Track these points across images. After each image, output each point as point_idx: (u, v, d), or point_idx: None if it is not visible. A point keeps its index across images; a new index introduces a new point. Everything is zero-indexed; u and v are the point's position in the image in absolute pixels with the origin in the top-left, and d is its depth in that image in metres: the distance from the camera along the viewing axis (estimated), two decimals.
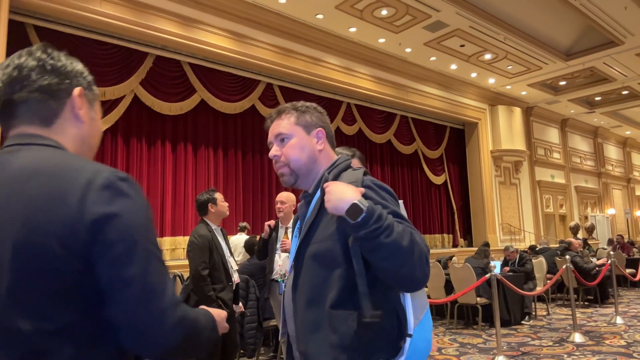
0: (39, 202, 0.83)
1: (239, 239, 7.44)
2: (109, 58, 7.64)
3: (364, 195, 1.18)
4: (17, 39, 6.65)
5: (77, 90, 0.99)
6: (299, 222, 1.48)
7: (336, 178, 1.33)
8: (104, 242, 0.82)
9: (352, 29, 9.54)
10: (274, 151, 1.41)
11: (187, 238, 7.49)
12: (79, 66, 1.03)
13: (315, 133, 1.42)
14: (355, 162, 1.90)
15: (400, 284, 1.20)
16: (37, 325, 0.82)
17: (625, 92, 14.37)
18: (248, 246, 5.92)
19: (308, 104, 1.47)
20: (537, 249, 9.55)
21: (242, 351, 4.74)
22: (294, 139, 1.39)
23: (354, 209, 1.12)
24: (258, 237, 4.50)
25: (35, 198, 0.84)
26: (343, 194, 1.15)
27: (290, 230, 3.90)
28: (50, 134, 0.96)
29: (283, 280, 1.41)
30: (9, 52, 6.29)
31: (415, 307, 1.26)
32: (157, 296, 0.84)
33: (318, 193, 1.35)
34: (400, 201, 1.36)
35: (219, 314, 1.08)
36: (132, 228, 0.85)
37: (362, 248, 1.16)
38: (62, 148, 0.95)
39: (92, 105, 1.04)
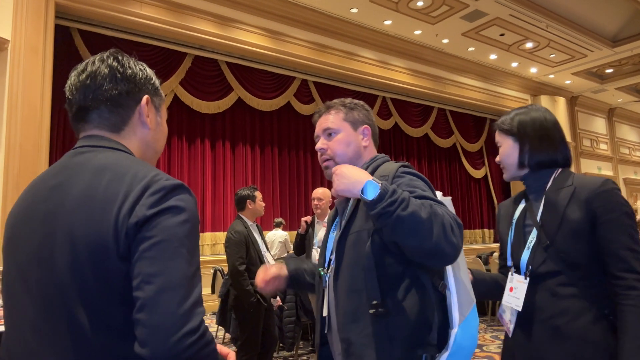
0: (102, 203, 0.87)
1: (275, 235, 7.54)
2: (150, 59, 7.86)
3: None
4: (63, 42, 6.95)
5: (145, 99, 1.04)
6: (338, 217, 1.50)
7: (373, 172, 1.36)
8: (138, 241, 0.84)
9: (387, 22, 9.43)
10: (321, 144, 1.46)
11: (226, 233, 7.66)
12: (147, 72, 1.08)
13: (361, 130, 1.48)
14: None
15: (430, 259, 1.17)
16: (95, 322, 0.85)
17: None
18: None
19: (356, 101, 1.53)
20: None
21: (281, 345, 4.80)
22: (342, 134, 1.44)
23: (368, 186, 1.14)
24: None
25: (100, 198, 0.87)
26: (355, 175, 1.18)
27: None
28: (120, 139, 1.02)
29: (323, 272, 1.43)
30: (56, 56, 6.57)
31: (460, 302, 1.26)
32: (174, 298, 0.81)
33: None
34: (440, 193, 1.36)
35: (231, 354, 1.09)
36: (167, 229, 0.85)
37: (383, 228, 1.16)
38: (130, 152, 1.01)
39: (159, 110, 1.10)
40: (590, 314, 1.37)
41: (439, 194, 1.34)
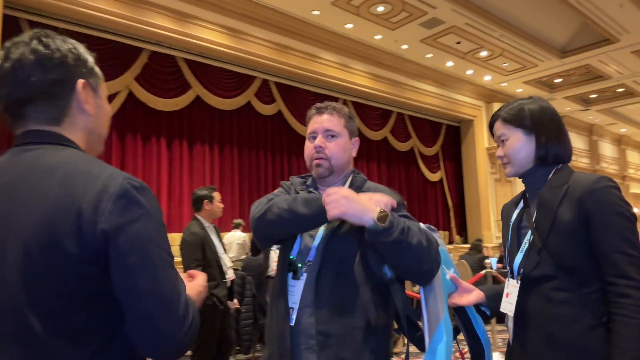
0: (56, 205, 0.82)
1: (233, 236, 7.43)
2: (104, 53, 7.58)
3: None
4: (11, 34, 6.59)
5: (80, 85, 0.96)
6: None
7: (364, 183, 1.53)
8: (117, 253, 0.82)
9: (349, 26, 9.51)
10: (320, 142, 1.51)
11: (181, 235, 7.49)
12: (79, 51, 0.98)
13: (354, 141, 1.61)
14: None
15: (420, 280, 1.39)
16: (50, 327, 0.82)
17: (620, 90, 14.40)
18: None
19: (350, 112, 1.67)
20: None
21: (238, 348, 4.73)
22: (342, 140, 1.54)
23: (382, 216, 1.24)
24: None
25: (52, 200, 0.83)
26: (365, 202, 1.27)
27: None
28: (62, 131, 0.95)
29: (302, 266, 1.45)
30: (4, 48, 6.23)
31: (429, 317, 1.40)
32: (175, 305, 0.86)
33: None
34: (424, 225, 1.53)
35: (196, 287, 1.07)
36: (144, 238, 0.85)
37: (386, 251, 1.28)
38: (75, 146, 0.95)
39: (97, 91, 1.01)
40: (585, 321, 1.28)
41: (423, 225, 1.46)
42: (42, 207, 0.83)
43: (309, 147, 1.55)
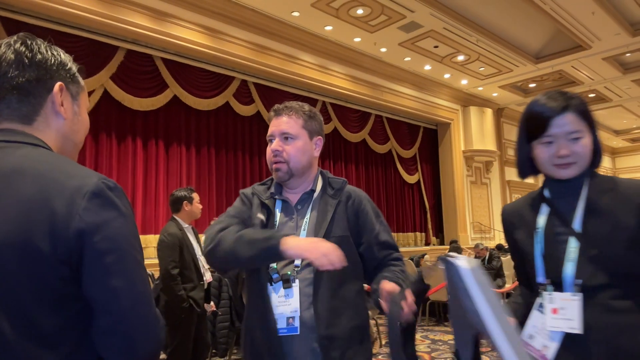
0: (28, 204, 0.80)
1: None
2: (79, 51, 7.42)
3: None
4: None
5: (57, 86, 0.95)
6: (292, 214, 1.53)
7: (343, 185, 1.56)
8: (93, 252, 0.81)
9: (328, 28, 9.53)
10: (276, 146, 1.48)
11: (157, 236, 7.38)
12: (61, 58, 0.99)
13: (315, 140, 1.54)
14: None
15: None
16: (20, 330, 0.79)
17: (592, 95, 14.79)
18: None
19: (315, 110, 1.57)
20: (503, 248, 9.73)
21: (214, 351, 4.68)
22: (299, 142, 1.48)
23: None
24: None
25: (24, 200, 0.81)
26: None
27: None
28: (32, 131, 0.92)
29: (292, 274, 1.42)
30: None
31: None
32: (148, 305, 0.86)
33: (316, 192, 1.52)
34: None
35: None
36: (119, 238, 0.84)
37: None
38: (46, 146, 0.92)
39: (76, 98, 1.00)
40: None
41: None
42: (14, 207, 0.80)
43: (268, 151, 1.53)
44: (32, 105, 0.93)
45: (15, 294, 0.79)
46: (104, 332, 0.83)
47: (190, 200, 3.62)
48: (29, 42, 0.96)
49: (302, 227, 1.44)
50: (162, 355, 4.85)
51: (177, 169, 8.72)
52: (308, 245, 1.25)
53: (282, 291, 1.39)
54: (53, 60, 0.97)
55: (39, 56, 0.95)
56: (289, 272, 1.40)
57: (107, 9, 7.04)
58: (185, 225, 3.60)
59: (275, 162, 1.48)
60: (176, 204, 3.61)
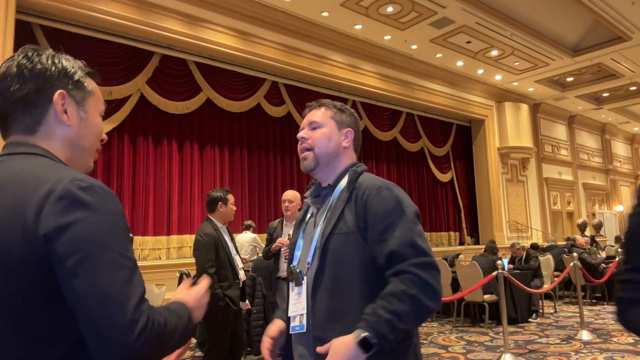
0: (7, 212, 0.84)
1: (244, 237, 7.47)
2: (115, 57, 7.67)
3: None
4: (24, 39, 6.70)
5: (56, 95, 0.96)
6: (310, 216, 1.52)
7: (358, 177, 1.42)
8: (57, 255, 0.80)
9: (358, 26, 9.51)
10: (302, 133, 1.49)
11: (193, 236, 7.54)
12: (63, 65, 0.99)
13: (345, 132, 1.51)
14: None
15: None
16: (13, 334, 0.82)
17: (633, 88, 14.25)
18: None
19: (347, 107, 1.57)
20: (538, 247, 9.47)
21: (248, 349, 4.75)
22: (325, 129, 1.48)
23: (364, 346, 1.15)
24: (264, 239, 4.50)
25: (4, 209, 0.84)
26: (343, 353, 1.16)
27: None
28: (36, 141, 0.95)
29: (303, 272, 1.43)
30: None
31: None
32: (118, 308, 0.80)
33: (338, 187, 1.43)
34: None
35: (196, 294, 1.04)
36: (83, 240, 0.81)
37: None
38: (48, 155, 0.94)
39: (82, 104, 1.01)
40: None
41: None
42: None
43: (299, 145, 1.54)
44: (35, 116, 0.96)
45: (5, 299, 0.83)
46: (85, 334, 0.82)
47: (225, 201, 3.68)
48: (30, 54, 0.97)
49: (319, 225, 1.41)
50: (199, 353, 4.96)
51: (211, 171, 8.88)
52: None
53: (296, 289, 1.41)
54: (54, 69, 0.98)
55: (39, 66, 0.96)
56: (299, 270, 1.40)
57: (142, 15, 7.25)
58: (219, 225, 3.67)
59: (302, 151, 1.49)
60: (211, 205, 3.68)
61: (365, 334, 1.16)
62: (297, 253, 1.48)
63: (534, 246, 9.70)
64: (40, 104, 0.96)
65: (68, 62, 1.01)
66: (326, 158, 1.46)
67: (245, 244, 7.32)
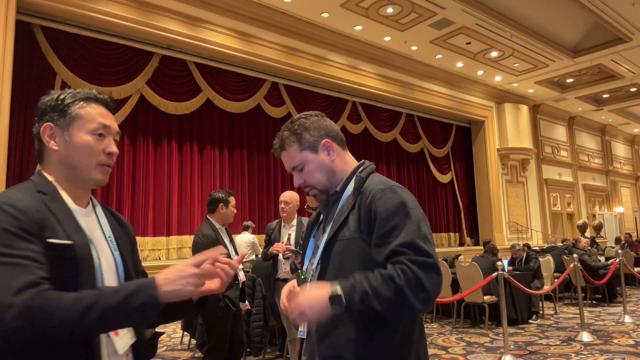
0: None
1: (242, 238, 7.47)
2: (115, 58, 7.68)
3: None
4: (25, 39, 6.71)
5: (42, 128, 1.17)
6: (321, 222, 1.51)
7: (367, 178, 1.38)
8: None
9: (358, 27, 9.52)
10: (297, 181, 1.47)
11: (192, 237, 7.54)
12: (53, 99, 1.19)
13: (322, 148, 1.44)
14: None
15: (414, 315, 1.27)
16: None
17: (633, 89, 14.25)
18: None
19: (303, 118, 1.47)
20: (530, 247, 9.39)
21: (248, 349, 4.75)
22: (308, 166, 1.43)
23: (334, 300, 1.15)
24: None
25: None
26: (313, 300, 1.17)
27: (293, 230, 3.89)
28: (43, 167, 1.19)
29: (304, 276, 1.41)
30: (17, 53, 6.34)
31: None
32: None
33: (345, 193, 1.40)
34: None
35: (180, 270, 1.07)
36: None
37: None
38: (33, 179, 1.17)
39: (66, 129, 1.17)
40: None
41: None
42: None
43: None
44: (38, 150, 1.20)
45: None
46: None
47: (227, 203, 3.66)
48: (43, 97, 1.21)
49: (327, 232, 1.40)
50: (199, 354, 4.95)
51: (211, 171, 8.88)
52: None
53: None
54: (47, 105, 1.19)
55: (39, 105, 1.19)
56: (304, 277, 1.39)
57: (142, 16, 7.25)
58: (218, 226, 3.66)
59: (308, 192, 1.48)
60: (212, 205, 3.67)
61: (341, 293, 1.16)
62: (307, 259, 1.48)
63: (527, 246, 9.65)
64: (39, 139, 1.18)
65: (62, 95, 1.20)
66: (328, 184, 1.44)
67: (243, 244, 7.31)
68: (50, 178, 1.17)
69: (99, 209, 1.26)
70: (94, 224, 1.20)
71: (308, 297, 1.18)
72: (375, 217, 1.27)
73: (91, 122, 1.20)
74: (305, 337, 1.37)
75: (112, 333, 1.10)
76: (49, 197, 1.13)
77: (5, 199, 1.06)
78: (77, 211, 1.16)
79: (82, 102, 1.20)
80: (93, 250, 1.12)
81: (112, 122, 1.26)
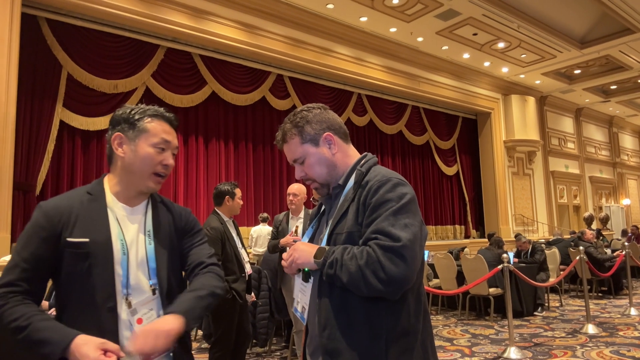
0: None
1: (262, 230, 7.54)
2: (121, 50, 7.68)
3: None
4: (30, 32, 6.72)
5: (113, 137, 1.38)
6: (323, 215, 1.51)
7: (368, 171, 1.39)
8: None
9: (363, 19, 9.46)
10: (299, 173, 1.48)
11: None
12: (126, 112, 1.39)
13: (323, 141, 1.43)
14: None
15: (378, 294, 1.24)
16: None
17: None
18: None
19: (305, 111, 1.46)
20: (534, 242, 9.33)
21: (254, 341, 4.78)
22: (309, 159, 1.44)
23: (317, 256, 1.30)
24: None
25: None
26: (304, 251, 1.34)
27: (301, 222, 3.92)
28: (110, 169, 1.41)
29: (308, 269, 1.43)
30: (22, 45, 6.36)
31: None
32: None
33: (347, 186, 1.41)
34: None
35: (87, 352, 1.14)
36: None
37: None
38: (95, 182, 1.41)
39: (134, 140, 1.37)
40: None
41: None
42: None
43: None
44: (109, 153, 1.41)
45: None
46: None
47: (233, 195, 3.68)
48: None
49: (329, 226, 1.40)
50: (205, 345, 5.00)
51: (216, 164, 8.90)
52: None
53: (303, 283, 1.42)
54: (118, 117, 1.39)
55: (114, 116, 1.40)
56: (306, 269, 1.39)
57: (148, 8, 7.24)
58: (226, 219, 3.67)
59: (310, 185, 1.50)
60: (219, 198, 3.68)
61: (321, 260, 1.28)
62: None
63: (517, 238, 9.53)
64: (110, 146, 1.39)
65: (134, 110, 1.40)
66: (329, 178, 1.45)
67: (262, 236, 7.39)
68: (108, 183, 1.40)
69: (151, 205, 1.44)
70: (135, 221, 1.38)
71: (302, 247, 1.34)
72: (367, 209, 1.30)
73: (155, 137, 1.40)
74: (304, 322, 1.40)
75: (135, 322, 1.29)
76: (93, 197, 1.35)
77: (45, 202, 1.30)
78: (117, 211, 1.35)
79: (149, 118, 1.40)
80: (117, 246, 1.29)
81: (173, 138, 1.45)
